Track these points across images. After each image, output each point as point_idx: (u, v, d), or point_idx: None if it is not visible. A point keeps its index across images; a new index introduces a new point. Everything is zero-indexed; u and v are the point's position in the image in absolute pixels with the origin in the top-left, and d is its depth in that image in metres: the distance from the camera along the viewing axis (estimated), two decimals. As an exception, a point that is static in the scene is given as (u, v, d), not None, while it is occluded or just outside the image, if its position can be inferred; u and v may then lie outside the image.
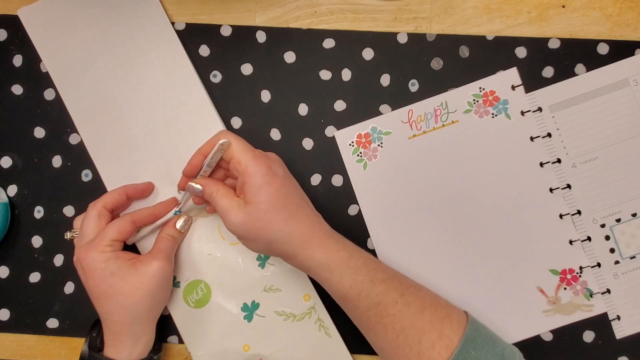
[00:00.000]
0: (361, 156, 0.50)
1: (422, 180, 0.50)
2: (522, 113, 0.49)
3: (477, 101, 0.50)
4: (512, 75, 0.50)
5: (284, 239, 0.42)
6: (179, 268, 0.50)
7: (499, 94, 0.50)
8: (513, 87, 0.50)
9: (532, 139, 0.49)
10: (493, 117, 0.50)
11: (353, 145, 0.50)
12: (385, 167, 0.50)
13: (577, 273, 0.49)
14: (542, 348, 0.49)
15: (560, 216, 0.49)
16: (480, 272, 0.49)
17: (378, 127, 0.50)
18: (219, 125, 0.50)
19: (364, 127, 0.50)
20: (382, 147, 0.50)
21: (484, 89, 0.50)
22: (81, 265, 0.44)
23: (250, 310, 0.50)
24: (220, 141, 0.42)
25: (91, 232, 0.45)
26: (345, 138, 0.51)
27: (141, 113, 0.50)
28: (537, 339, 0.49)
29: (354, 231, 0.50)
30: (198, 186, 0.44)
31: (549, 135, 0.49)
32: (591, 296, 0.49)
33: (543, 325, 0.49)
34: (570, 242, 0.49)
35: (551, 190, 0.49)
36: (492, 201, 0.49)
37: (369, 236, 0.50)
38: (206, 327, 0.50)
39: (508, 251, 0.49)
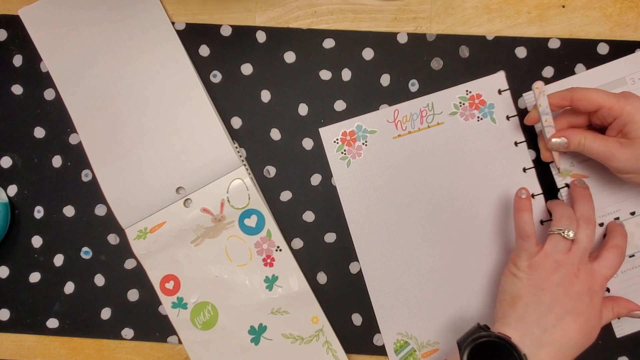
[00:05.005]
0: (345, 154, 0.50)
1: (406, 180, 0.50)
2: (508, 118, 0.49)
3: (464, 104, 0.50)
4: (499, 79, 0.50)
5: None
6: (185, 289, 0.50)
7: (485, 97, 0.50)
8: (500, 92, 0.50)
9: (516, 144, 0.49)
10: (478, 120, 0.50)
11: (337, 143, 0.50)
12: (369, 165, 0.50)
13: None
14: (542, 348, 0.49)
15: (541, 222, 0.49)
16: (461, 273, 0.49)
17: (363, 125, 0.50)
18: (218, 126, 0.50)
19: (349, 124, 0.50)
20: (366, 145, 0.50)
21: (470, 92, 0.50)
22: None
23: (257, 333, 0.50)
24: (534, 85, 0.44)
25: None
26: (330, 135, 0.50)
27: (140, 113, 0.50)
28: (537, 338, 0.49)
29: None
30: (561, 140, 0.44)
31: (548, 133, 0.49)
32: None
33: None
34: None
35: (533, 196, 0.49)
36: (475, 204, 0.49)
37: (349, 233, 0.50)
38: (213, 350, 0.50)
39: (489, 255, 0.49)
